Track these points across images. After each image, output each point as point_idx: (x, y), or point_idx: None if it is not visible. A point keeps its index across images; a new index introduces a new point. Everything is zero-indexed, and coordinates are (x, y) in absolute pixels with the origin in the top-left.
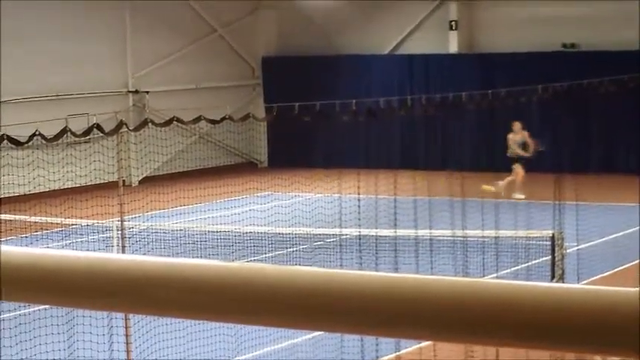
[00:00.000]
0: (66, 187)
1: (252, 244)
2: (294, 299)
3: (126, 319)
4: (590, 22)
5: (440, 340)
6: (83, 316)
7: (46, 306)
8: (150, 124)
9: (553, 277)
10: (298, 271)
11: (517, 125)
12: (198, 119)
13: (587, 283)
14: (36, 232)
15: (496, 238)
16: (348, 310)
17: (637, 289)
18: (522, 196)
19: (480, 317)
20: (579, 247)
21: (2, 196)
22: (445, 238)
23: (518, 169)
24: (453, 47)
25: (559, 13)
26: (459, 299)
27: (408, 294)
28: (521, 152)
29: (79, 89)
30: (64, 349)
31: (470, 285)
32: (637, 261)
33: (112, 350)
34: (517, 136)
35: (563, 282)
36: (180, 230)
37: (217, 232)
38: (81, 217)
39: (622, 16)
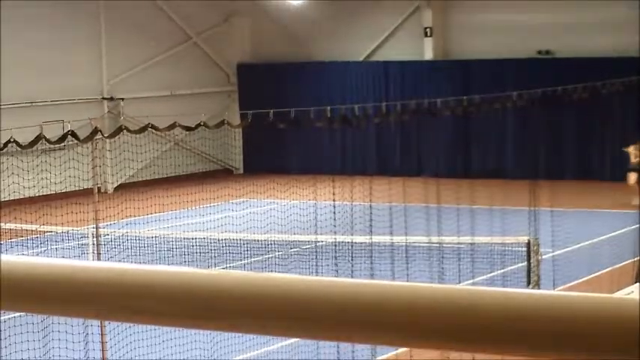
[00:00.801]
0: (41, 194)
1: (228, 251)
2: (267, 306)
3: (102, 325)
4: (565, 29)
5: (419, 347)
6: (59, 323)
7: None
8: (125, 130)
9: (529, 283)
10: (273, 277)
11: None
12: (173, 126)
13: (562, 289)
14: (10, 239)
15: (472, 244)
16: (324, 316)
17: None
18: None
19: (461, 324)
20: (555, 253)
21: None
22: (421, 244)
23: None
24: (428, 54)
25: (534, 20)
26: (439, 306)
27: (388, 301)
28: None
29: (53, 96)
30: (39, 349)
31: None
32: (613, 267)
33: (88, 350)
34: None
35: (538, 288)
36: (156, 237)
37: (193, 238)
38: (56, 225)
39: (596, 23)
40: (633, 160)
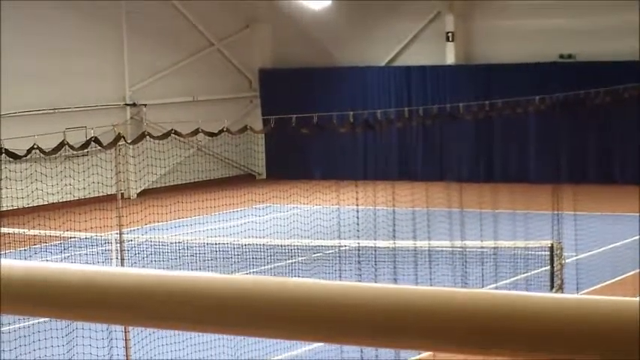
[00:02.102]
0: (64, 200)
1: (251, 256)
2: (293, 311)
3: (125, 330)
4: (587, 33)
5: (442, 351)
6: (82, 327)
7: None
8: (147, 136)
9: (552, 287)
10: (298, 282)
11: None
12: (195, 132)
13: (586, 293)
14: (34, 245)
15: (495, 248)
16: (349, 321)
17: (637, 298)
18: None
19: (483, 328)
20: (578, 257)
21: (1, 210)
22: (444, 249)
23: None
24: (450, 58)
25: (556, 24)
26: (461, 310)
27: (412, 305)
28: None
29: (76, 102)
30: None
31: (470, 296)
32: (636, 271)
33: (112, 347)
34: None
35: (562, 292)
36: (179, 243)
37: (216, 244)
38: (79, 230)
39: (618, 26)
40: None
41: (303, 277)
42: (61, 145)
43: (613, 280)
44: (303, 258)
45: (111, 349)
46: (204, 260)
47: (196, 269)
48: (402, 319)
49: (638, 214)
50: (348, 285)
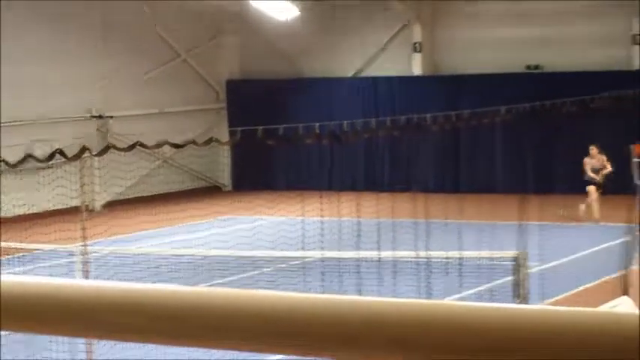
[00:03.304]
0: (29, 212)
1: (216, 268)
2: (254, 323)
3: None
4: (554, 43)
5: None
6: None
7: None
8: (113, 148)
9: (516, 297)
10: (260, 295)
11: (594, 150)
12: (161, 144)
13: (550, 304)
14: None
15: (460, 259)
16: (310, 332)
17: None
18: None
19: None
20: (543, 267)
21: None
22: (409, 259)
23: (592, 192)
24: (417, 69)
25: (523, 34)
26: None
27: (376, 317)
28: (593, 176)
29: (42, 114)
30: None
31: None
32: (599, 280)
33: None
34: (593, 161)
35: (526, 302)
36: (144, 255)
37: (181, 256)
38: (44, 242)
39: (585, 37)
40: (591, 173)
41: (267, 288)
42: (27, 157)
43: (577, 290)
44: (267, 269)
45: (73, 353)
46: (169, 272)
47: (161, 281)
48: (365, 330)
49: (601, 224)
50: (311, 297)
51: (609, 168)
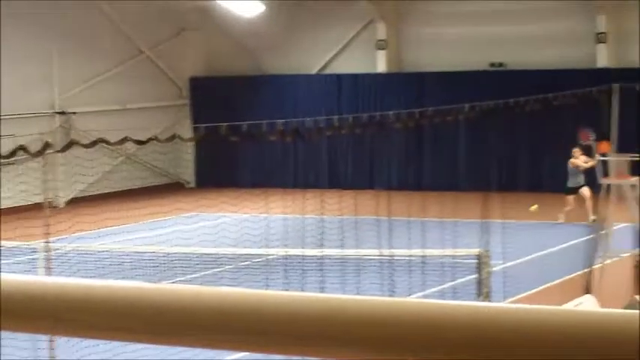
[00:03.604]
0: None
1: (179, 265)
2: (218, 320)
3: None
4: (518, 41)
5: None
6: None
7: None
8: (76, 145)
9: (479, 295)
10: (223, 292)
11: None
12: (124, 140)
13: (513, 301)
14: None
15: (423, 257)
16: (275, 330)
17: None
18: (593, 218)
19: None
20: (506, 265)
21: None
22: (372, 257)
23: (585, 192)
24: (381, 66)
25: (487, 32)
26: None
27: (334, 313)
28: (587, 164)
29: (5, 110)
30: None
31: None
32: (562, 279)
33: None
34: (577, 162)
35: (489, 300)
36: (107, 251)
37: (144, 253)
38: (6, 239)
39: (549, 35)
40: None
41: (230, 286)
42: None
43: (540, 288)
44: (230, 267)
45: (36, 350)
46: (133, 269)
47: (124, 278)
48: (329, 327)
49: (565, 223)
50: (276, 294)
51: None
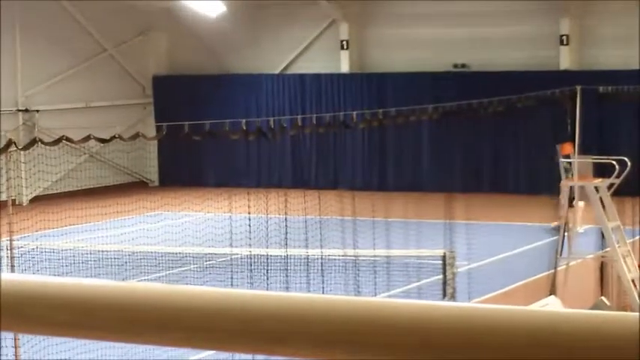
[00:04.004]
0: None
1: (143, 264)
2: (179, 318)
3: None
4: (481, 43)
5: None
6: None
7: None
8: (39, 142)
9: (444, 295)
10: (186, 290)
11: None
12: (87, 138)
13: (477, 302)
14: None
15: (387, 257)
16: (238, 329)
17: (637, 313)
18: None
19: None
20: (470, 265)
21: None
22: (337, 257)
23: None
24: (344, 66)
25: (450, 33)
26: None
27: (298, 312)
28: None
29: None
30: None
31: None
32: (527, 280)
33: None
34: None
35: (454, 300)
36: (70, 249)
37: (107, 251)
38: None
39: (512, 37)
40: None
41: (194, 285)
42: None
43: (505, 289)
44: (194, 266)
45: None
46: (96, 267)
47: (88, 276)
48: (292, 326)
49: (529, 224)
50: (238, 292)
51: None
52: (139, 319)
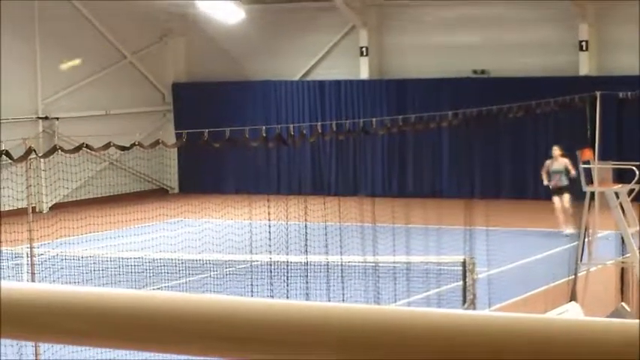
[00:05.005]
0: None
1: (163, 271)
2: (203, 328)
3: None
4: (500, 49)
5: None
6: None
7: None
8: (59, 150)
9: (464, 302)
10: (207, 299)
11: (557, 151)
12: (107, 146)
13: (498, 309)
14: None
15: (407, 263)
16: (258, 337)
17: (636, 320)
18: (569, 231)
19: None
20: (490, 272)
21: None
22: (356, 264)
23: (556, 202)
24: (363, 73)
25: (469, 40)
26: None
27: (319, 321)
28: (546, 182)
29: None
30: None
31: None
32: (547, 286)
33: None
34: (555, 163)
35: (474, 307)
36: (91, 257)
37: (128, 258)
38: None
39: (531, 43)
40: (545, 178)
41: (214, 292)
42: None
43: (525, 295)
44: (215, 272)
45: (20, 347)
46: (116, 275)
47: (109, 284)
48: (313, 335)
49: (548, 230)
50: (261, 301)
51: (573, 171)
52: (154, 327)
